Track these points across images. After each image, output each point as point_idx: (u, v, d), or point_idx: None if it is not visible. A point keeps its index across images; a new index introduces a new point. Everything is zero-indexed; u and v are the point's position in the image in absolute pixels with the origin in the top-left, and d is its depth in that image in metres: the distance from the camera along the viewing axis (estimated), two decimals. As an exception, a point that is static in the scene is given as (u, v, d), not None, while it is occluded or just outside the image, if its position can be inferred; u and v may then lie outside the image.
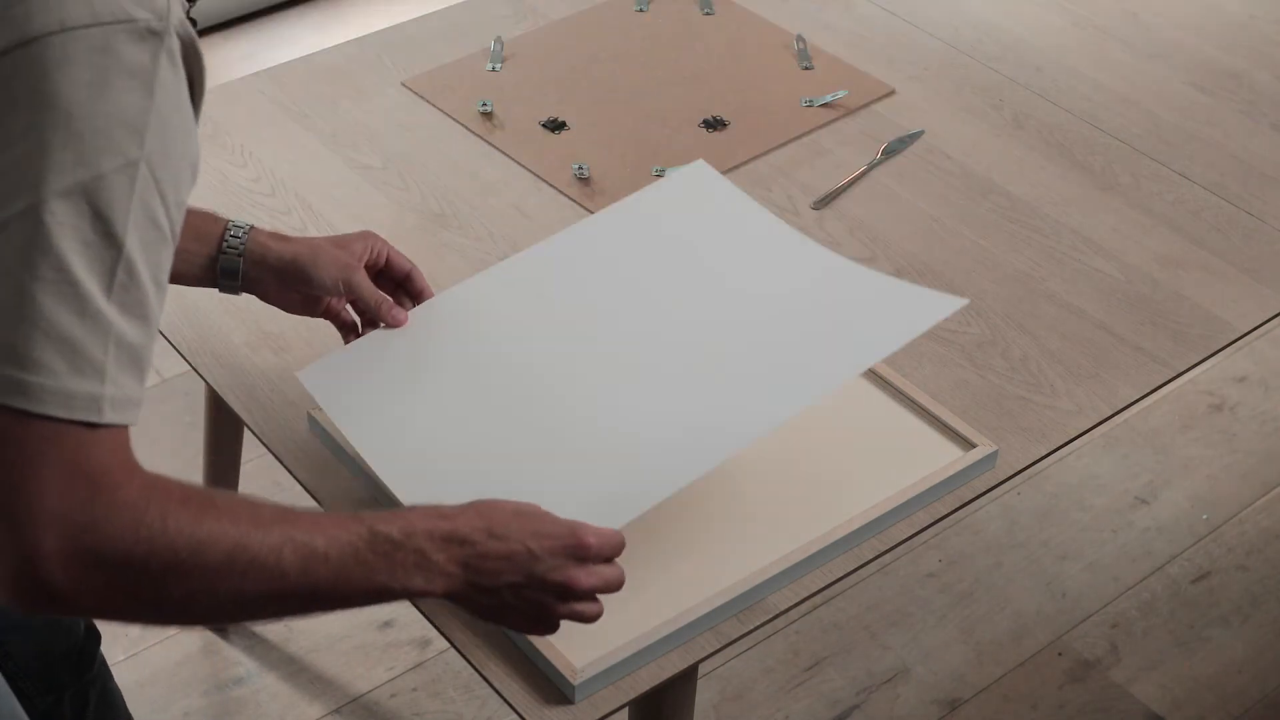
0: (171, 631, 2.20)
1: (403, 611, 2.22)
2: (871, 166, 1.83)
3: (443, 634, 1.29)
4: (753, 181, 1.80)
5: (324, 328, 1.56)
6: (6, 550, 0.93)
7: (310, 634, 2.21)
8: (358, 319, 1.44)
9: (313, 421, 1.44)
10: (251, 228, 1.39)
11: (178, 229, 1.00)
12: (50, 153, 0.91)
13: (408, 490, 1.30)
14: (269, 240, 1.39)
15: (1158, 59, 2.07)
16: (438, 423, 1.36)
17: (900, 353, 1.57)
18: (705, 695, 2.13)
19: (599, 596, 1.17)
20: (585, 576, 1.13)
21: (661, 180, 1.61)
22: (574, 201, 1.76)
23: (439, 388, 1.39)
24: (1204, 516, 2.45)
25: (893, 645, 2.23)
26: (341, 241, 1.41)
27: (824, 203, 1.77)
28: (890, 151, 1.86)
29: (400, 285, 1.45)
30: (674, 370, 1.38)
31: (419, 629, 2.20)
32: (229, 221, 1.38)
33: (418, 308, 1.46)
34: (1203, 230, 1.77)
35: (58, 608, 0.96)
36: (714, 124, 1.88)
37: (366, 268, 1.41)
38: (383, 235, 1.69)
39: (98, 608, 0.99)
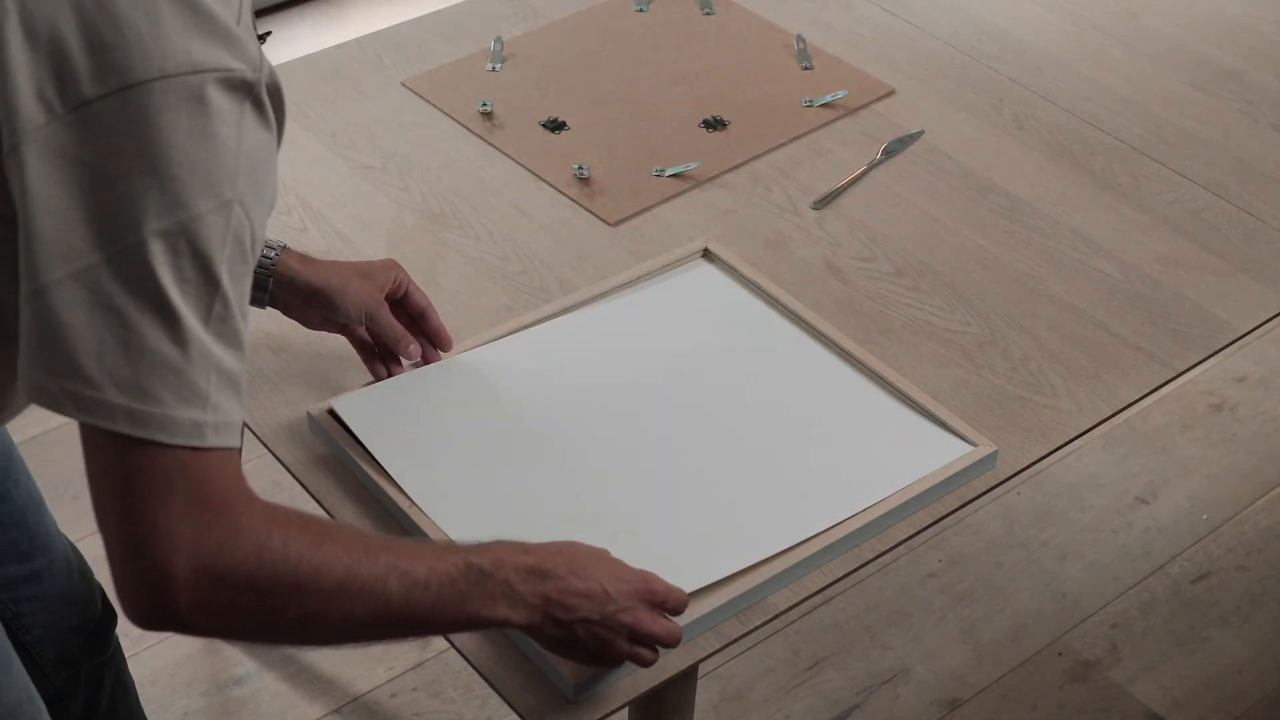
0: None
1: (403, 611, 2.22)
2: (871, 166, 1.83)
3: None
4: (753, 181, 1.80)
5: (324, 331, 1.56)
6: (136, 572, 0.98)
7: (310, 634, 2.21)
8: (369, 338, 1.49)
9: (313, 421, 1.44)
10: (283, 248, 1.43)
11: (256, 258, 1.05)
12: (151, 194, 0.95)
13: (447, 518, 1.34)
14: (298, 265, 1.43)
15: (1157, 59, 2.07)
16: (472, 461, 1.40)
17: (900, 352, 1.57)
18: (705, 695, 2.13)
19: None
20: (651, 621, 1.18)
21: (680, 273, 1.64)
22: (574, 202, 1.76)
23: (473, 430, 1.44)
24: (1204, 516, 2.45)
25: (893, 645, 2.23)
26: (367, 271, 1.46)
27: (824, 203, 1.77)
28: (890, 151, 1.86)
29: (414, 321, 1.49)
30: (694, 464, 1.42)
31: (419, 629, 2.20)
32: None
33: (454, 357, 1.50)
34: (1203, 230, 1.77)
35: (180, 627, 1.01)
36: (714, 124, 1.88)
37: (386, 297, 1.46)
38: (382, 235, 1.69)
39: (219, 628, 1.04)
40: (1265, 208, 1.80)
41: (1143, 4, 2.19)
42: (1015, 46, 2.08)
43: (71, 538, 1.65)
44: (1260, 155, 1.89)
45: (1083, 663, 2.22)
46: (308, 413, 1.45)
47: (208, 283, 0.98)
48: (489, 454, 1.42)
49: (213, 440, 0.99)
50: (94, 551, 1.78)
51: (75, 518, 1.63)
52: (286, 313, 1.46)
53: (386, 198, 1.76)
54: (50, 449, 2.31)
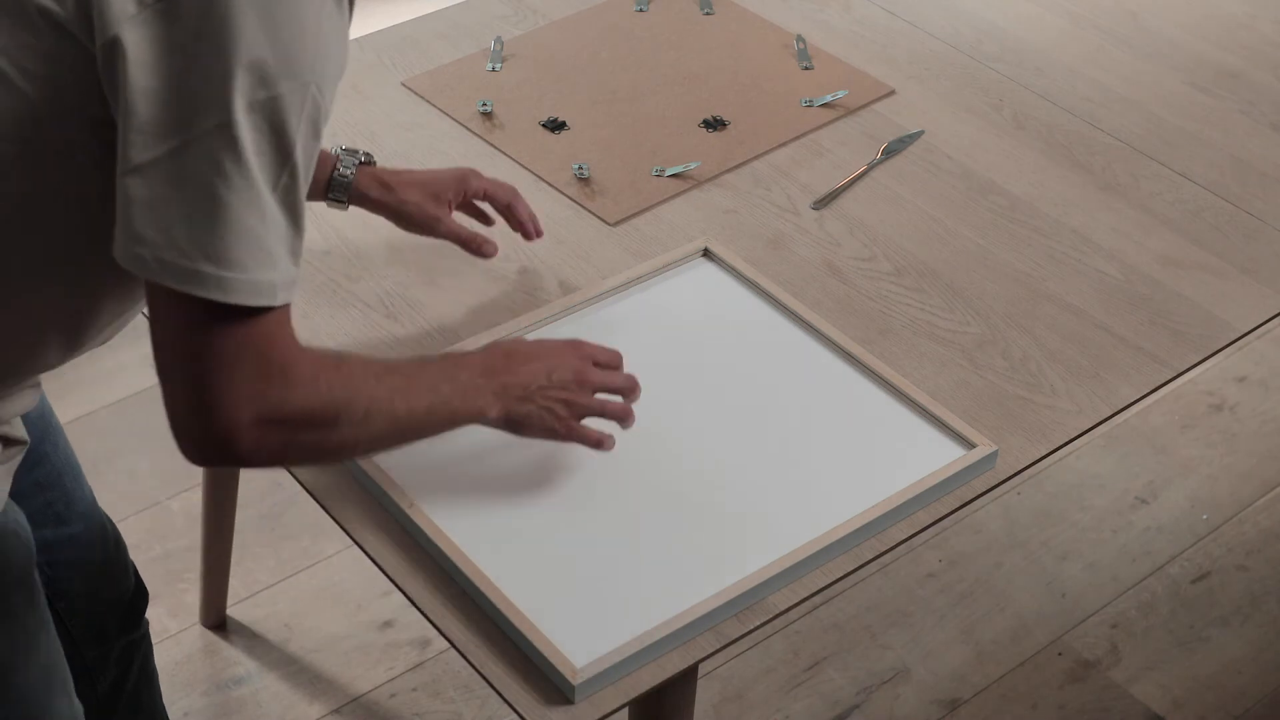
0: (172, 631, 2.20)
1: (403, 612, 2.22)
2: (871, 166, 1.83)
3: (443, 634, 1.29)
4: (753, 182, 1.80)
5: (323, 330, 1.56)
6: (201, 426, 1.11)
7: (310, 634, 2.21)
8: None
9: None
10: (359, 165, 1.55)
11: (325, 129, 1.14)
12: (235, 75, 1.03)
13: (448, 519, 1.35)
14: (369, 187, 1.55)
15: (1158, 59, 2.07)
16: (472, 462, 1.41)
17: (900, 352, 1.57)
18: (705, 695, 2.13)
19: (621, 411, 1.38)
20: (593, 372, 1.36)
21: (679, 272, 1.64)
22: (574, 202, 1.76)
23: (472, 431, 1.42)
24: (1204, 516, 2.45)
25: (893, 645, 2.23)
26: (433, 186, 1.57)
27: (824, 203, 1.77)
28: (890, 151, 1.86)
29: (507, 209, 1.61)
30: (693, 464, 1.43)
31: (419, 629, 2.20)
32: (337, 160, 1.55)
33: None
34: (1203, 230, 1.77)
35: (238, 464, 1.22)
36: (714, 124, 1.88)
37: (464, 200, 1.59)
38: (383, 235, 1.69)
39: (272, 462, 1.19)
40: (1265, 208, 1.80)
41: (1143, 4, 2.19)
42: (1015, 46, 2.08)
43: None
44: (1260, 155, 1.89)
45: (1083, 663, 2.22)
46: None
47: (281, 154, 1.07)
48: (488, 455, 1.42)
49: (282, 299, 1.09)
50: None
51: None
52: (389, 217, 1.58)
53: (386, 198, 1.75)
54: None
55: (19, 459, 1.31)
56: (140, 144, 1.04)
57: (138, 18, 1.03)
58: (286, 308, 1.12)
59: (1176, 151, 1.89)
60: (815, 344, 1.56)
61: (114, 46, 1.03)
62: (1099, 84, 2.01)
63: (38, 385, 1.29)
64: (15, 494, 1.33)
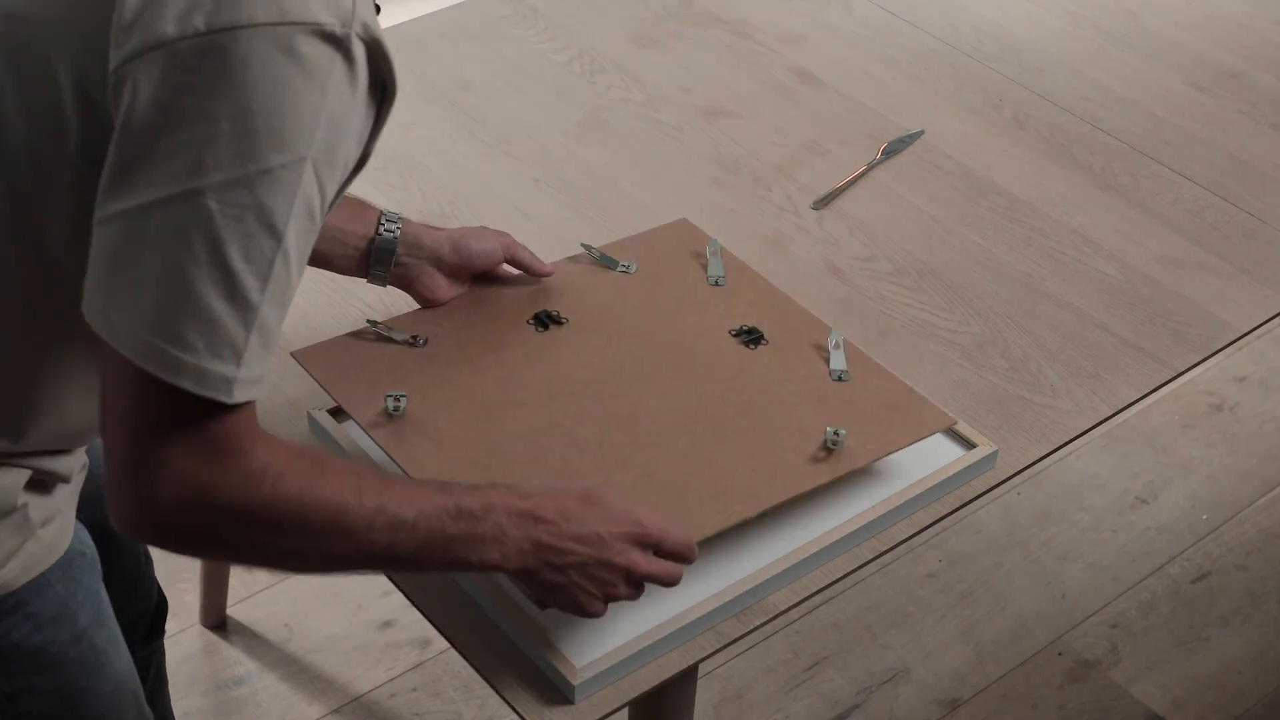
0: (172, 631, 2.20)
1: (403, 612, 2.22)
2: (871, 166, 1.83)
3: (443, 634, 1.29)
4: (753, 182, 1.80)
5: (324, 330, 1.56)
6: (130, 494, 1.00)
7: (310, 634, 2.21)
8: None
9: (313, 422, 1.44)
10: (403, 218, 1.44)
11: (324, 217, 1.04)
12: (222, 142, 0.94)
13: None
14: (422, 229, 1.45)
15: (1158, 59, 2.07)
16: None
17: (900, 352, 1.57)
18: (705, 695, 2.13)
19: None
20: (647, 563, 1.18)
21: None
22: (575, 203, 1.76)
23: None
24: (1204, 516, 2.45)
25: (893, 645, 2.23)
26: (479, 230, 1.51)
27: (824, 203, 1.77)
28: (890, 151, 1.86)
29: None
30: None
31: (419, 629, 2.20)
32: (382, 210, 1.43)
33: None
34: (1203, 230, 1.77)
35: (166, 546, 1.04)
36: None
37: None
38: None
39: (201, 550, 1.09)
40: (1265, 208, 1.80)
41: (1143, 4, 2.19)
42: (1015, 46, 2.08)
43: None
44: (1260, 155, 1.89)
45: (1083, 663, 2.22)
46: (308, 413, 1.44)
47: (270, 238, 0.97)
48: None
49: (238, 397, 0.99)
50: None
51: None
52: (410, 285, 1.46)
53: (386, 198, 1.75)
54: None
55: (83, 477, 1.27)
56: (114, 195, 0.96)
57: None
58: (251, 404, 1.01)
59: (1176, 151, 1.89)
60: None
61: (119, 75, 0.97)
62: (1099, 84, 2.01)
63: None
64: None
